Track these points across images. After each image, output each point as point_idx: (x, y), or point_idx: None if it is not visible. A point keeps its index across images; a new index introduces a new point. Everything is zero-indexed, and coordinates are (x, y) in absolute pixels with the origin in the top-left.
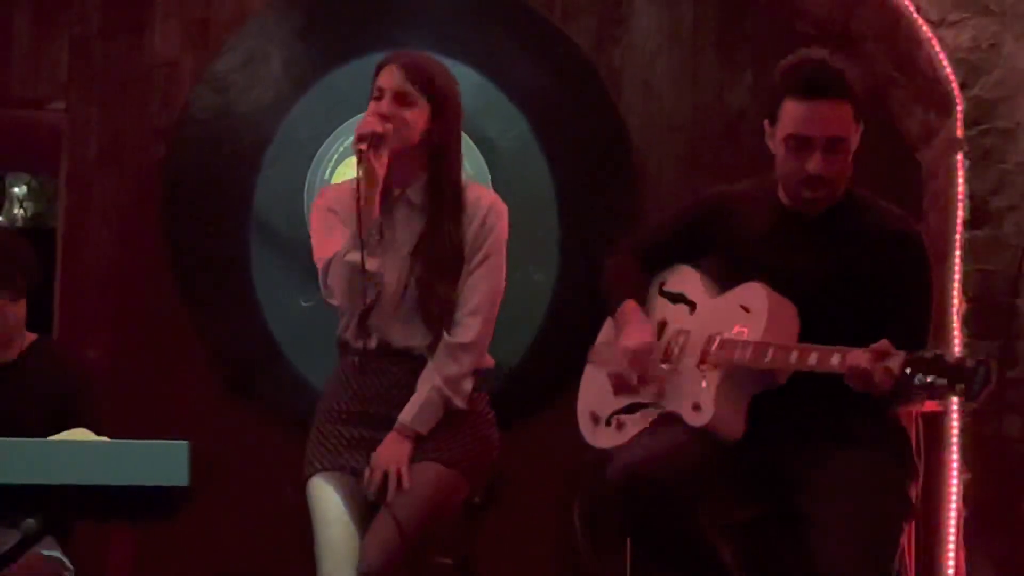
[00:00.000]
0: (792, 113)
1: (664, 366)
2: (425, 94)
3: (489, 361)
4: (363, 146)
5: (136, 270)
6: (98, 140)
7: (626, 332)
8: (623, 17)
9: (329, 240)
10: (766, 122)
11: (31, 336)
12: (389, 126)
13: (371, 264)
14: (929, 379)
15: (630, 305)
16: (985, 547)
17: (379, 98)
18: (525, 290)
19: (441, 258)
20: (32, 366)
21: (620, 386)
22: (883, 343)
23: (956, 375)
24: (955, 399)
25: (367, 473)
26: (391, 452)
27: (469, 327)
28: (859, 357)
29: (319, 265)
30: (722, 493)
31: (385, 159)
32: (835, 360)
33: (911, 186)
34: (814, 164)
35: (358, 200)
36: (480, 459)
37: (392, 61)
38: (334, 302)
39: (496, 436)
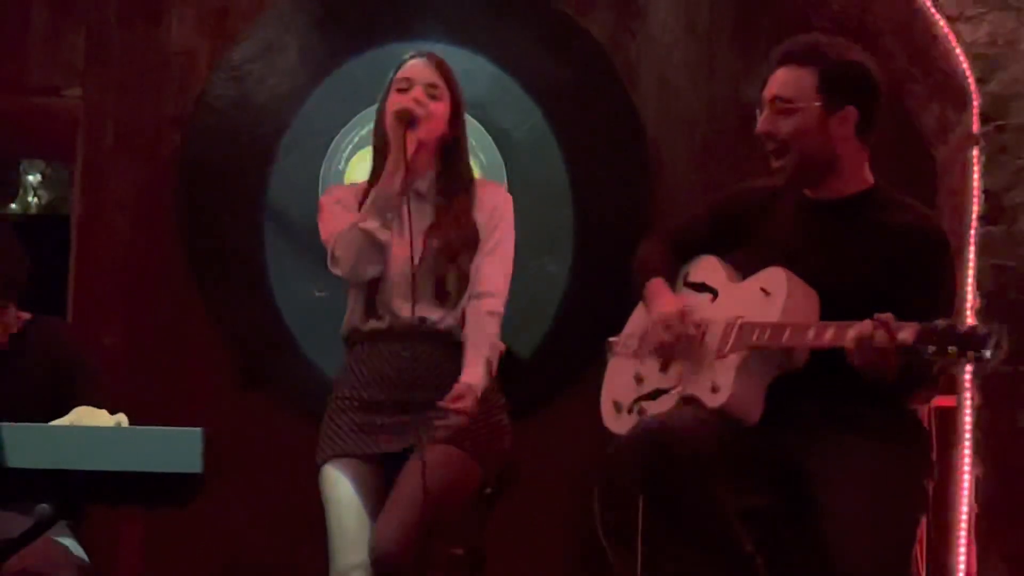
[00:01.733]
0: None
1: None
2: (449, 89)
3: (500, 344)
4: (400, 121)
5: (150, 258)
6: (114, 128)
7: (657, 304)
8: (639, 9)
9: (336, 223)
10: None
11: (24, 316)
12: (422, 111)
13: (384, 236)
14: (940, 348)
15: (657, 282)
16: (997, 543)
17: (406, 89)
18: (539, 281)
19: (457, 236)
20: (26, 346)
21: (664, 355)
22: (887, 315)
23: (967, 342)
24: (967, 376)
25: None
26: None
27: (495, 302)
28: (864, 326)
29: (327, 243)
30: (736, 478)
31: (415, 140)
32: (851, 333)
33: (926, 181)
34: (760, 122)
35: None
36: (493, 446)
37: (418, 56)
38: (338, 271)
39: (508, 424)
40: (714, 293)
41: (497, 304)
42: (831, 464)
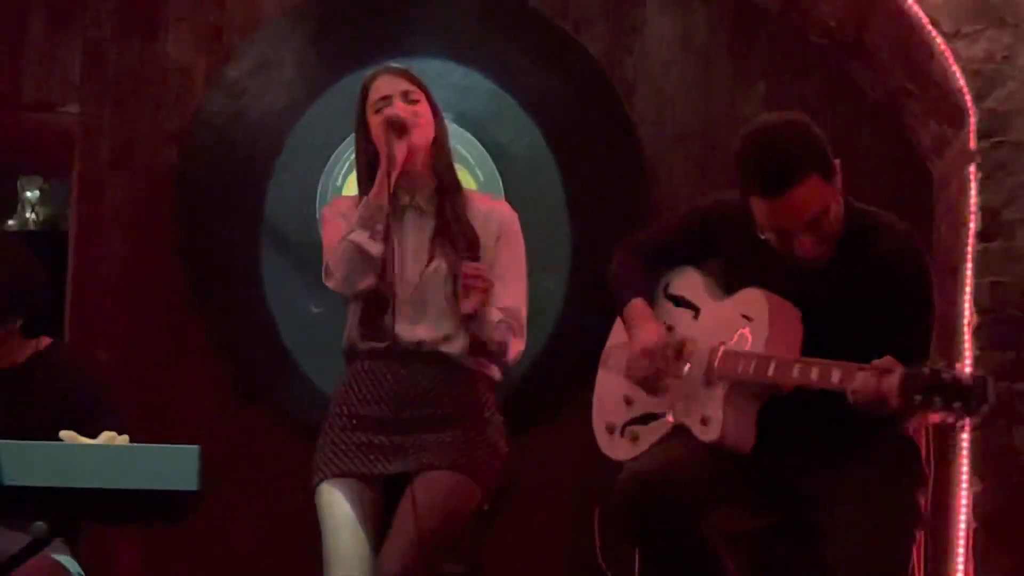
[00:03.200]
0: (762, 211)
1: (676, 370)
2: (423, 91)
3: (497, 373)
4: (389, 129)
5: (147, 274)
6: (110, 144)
7: (638, 333)
8: (636, 26)
9: (337, 235)
10: None
11: (45, 341)
12: (408, 117)
13: (374, 249)
14: (926, 397)
15: (638, 305)
16: (995, 559)
17: (383, 108)
18: (536, 297)
19: (460, 242)
20: (41, 371)
21: (648, 387)
22: (886, 359)
23: (953, 393)
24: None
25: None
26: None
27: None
28: (866, 379)
29: (326, 255)
30: (731, 503)
31: (405, 148)
32: (835, 377)
33: (923, 198)
34: (801, 247)
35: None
36: (491, 466)
37: (382, 72)
38: (331, 284)
39: (506, 443)
40: (695, 310)
41: (510, 318)
42: (824, 484)
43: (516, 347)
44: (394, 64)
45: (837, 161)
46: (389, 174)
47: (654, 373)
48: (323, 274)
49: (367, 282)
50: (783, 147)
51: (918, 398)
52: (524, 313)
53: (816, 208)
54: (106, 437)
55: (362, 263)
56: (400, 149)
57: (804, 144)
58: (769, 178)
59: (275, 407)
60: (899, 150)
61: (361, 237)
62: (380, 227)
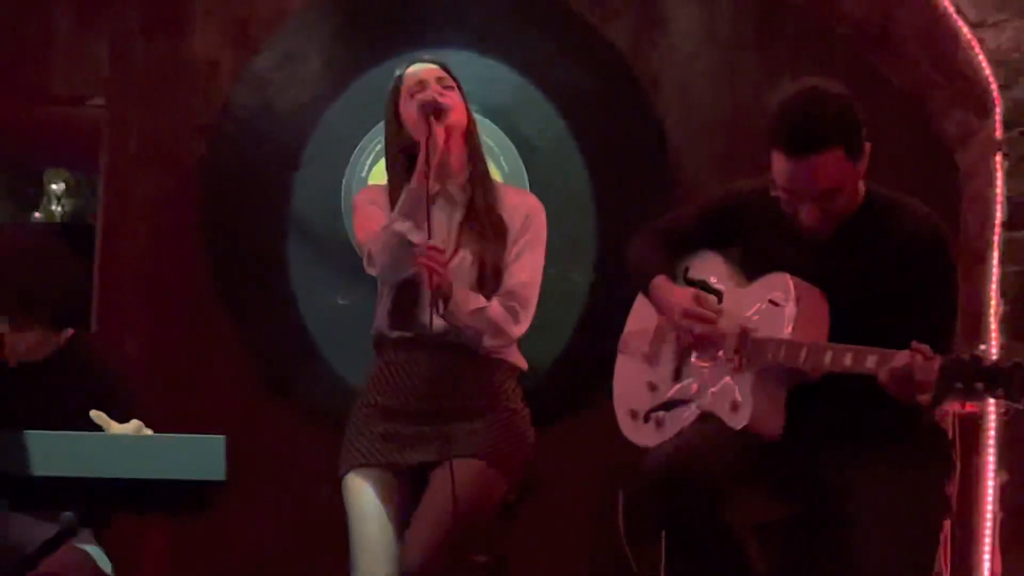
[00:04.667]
0: (780, 167)
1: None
2: (455, 81)
3: (523, 363)
4: (427, 112)
5: (174, 267)
6: (138, 137)
7: (672, 299)
8: (661, 18)
9: (371, 223)
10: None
11: (69, 332)
12: (445, 101)
13: (417, 237)
14: (967, 384)
15: (662, 279)
16: (1021, 549)
17: (420, 91)
18: (562, 290)
19: (488, 232)
20: (65, 363)
21: (703, 346)
22: (924, 345)
23: (994, 379)
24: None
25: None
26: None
27: (525, 304)
28: (904, 363)
29: (362, 243)
30: (757, 491)
31: (444, 131)
32: (870, 362)
33: (949, 188)
34: (806, 216)
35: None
36: (517, 457)
37: (416, 61)
38: (374, 272)
39: (532, 434)
40: (719, 295)
41: (516, 303)
42: (852, 474)
43: (514, 330)
44: (426, 55)
45: (868, 145)
46: (430, 159)
47: (692, 324)
48: (364, 262)
49: (410, 270)
50: (820, 112)
51: (959, 385)
52: (530, 297)
53: (832, 181)
54: (134, 426)
55: (406, 253)
56: (440, 132)
57: (841, 117)
58: (798, 137)
59: (301, 398)
60: (925, 140)
61: (404, 226)
62: (422, 215)
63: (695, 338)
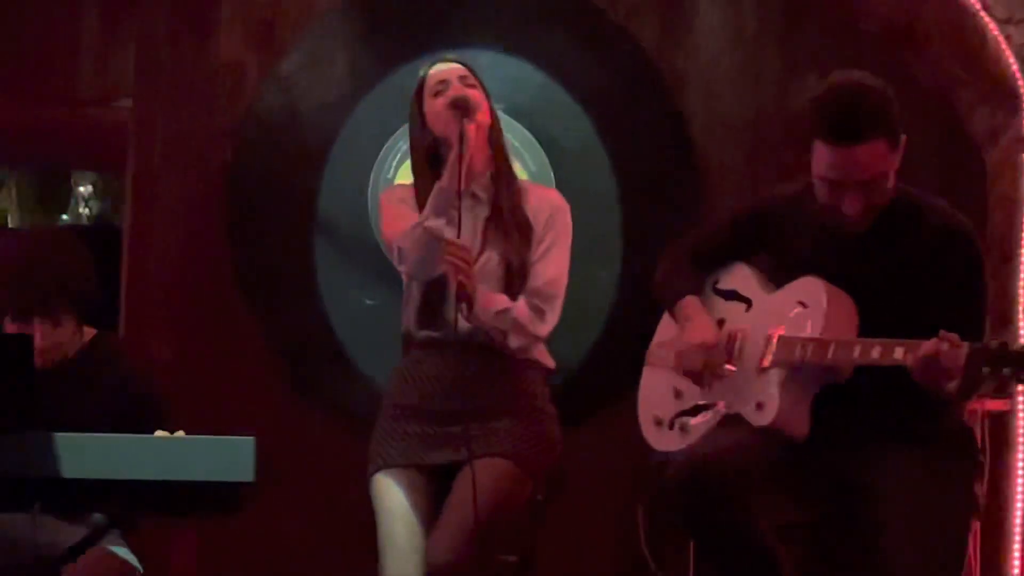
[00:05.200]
0: (822, 157)
1: (728, 367)
2: (478, 80)
3: (550, 362)
4: (457, 109)
5: (201, 268)
6: (164, 140)
7: (689, 329)
8: (686, 17)
9: (401, 221)
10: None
11: (90, 332)
12: (473, 98)
13: (449, 235)
14: (995, 370)
15: (690, 301)
16: None
17: (443, 91)
18: (588, 289)
19: (513, 231)
20: (89, 364)
21: (697, 381)
22: (952, 335)
23: (1021, 364)
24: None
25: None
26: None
27: (550, 303)
28: (932, 350)
29: (391, 240)
30: (783, 493)
31: (474, 128)
32: (898, 352)
33: (977, 186)
34: (849, 205)
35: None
36: (544, 456)
37: (438, 61)
38: (405, 270)
39: (559, 434)
40: (747, 303)
41: (541, 301)
42: (879, 474)
43: (540, 329)
44: (449, 55)
45: (904, 137)
46: (461, 156)
47: (706, 366)
48: (395, 260)
49: (441, 268)
50: (864, 102)
51: (986, 370)
52: (556, 295)
53: (875, 170)
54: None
55: (437, 250)
56: (472, 128)
57: (883, 107)
58: (843, 126)
59: (328, 400)
60: (952, 138)
61: (436, 223)
62: (453, 213)
63: (691, 371)
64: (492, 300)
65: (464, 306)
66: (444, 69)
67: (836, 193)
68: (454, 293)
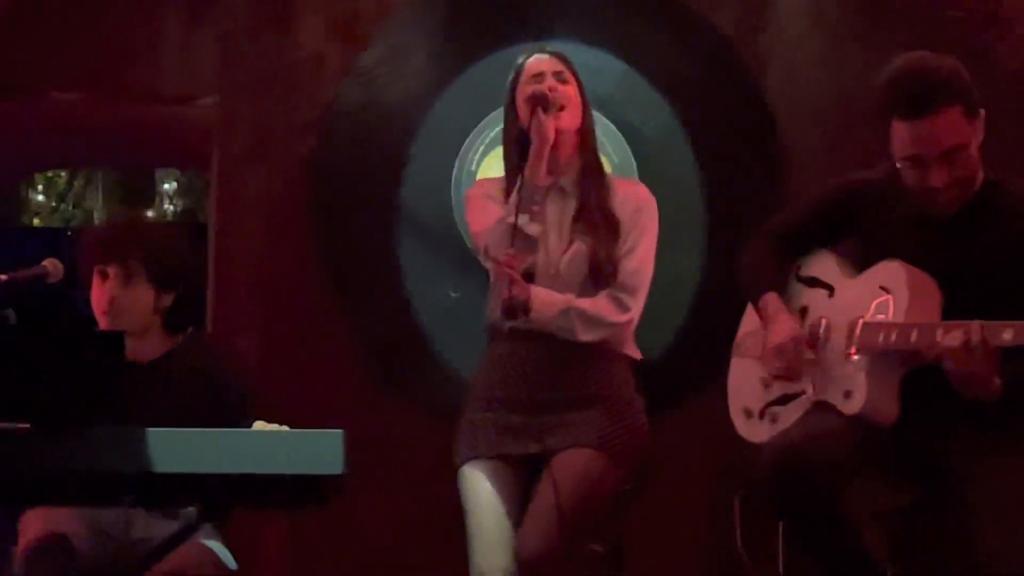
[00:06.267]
0: (901, 135)
1: (811, 355)
2: (573, 75)
3: (636, 353)
4: (536, 106)
5: (287, 262)
6: (247, 135)
7: (772, 328)
8: (768, 2)
9: (486, 217)
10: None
11: (183, 334)
12: (556, 94)
13: (532, 229)
14: None
15: (771, 298)
16: None
17: (539, 82)
18: (671, 277)
19: (601, 225)
20: (181, 362)
21: (783, 380)
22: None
23: None
24: None
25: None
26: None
27: (632, 294)
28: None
29: (477, 236)
30: (874, 479)
31: (553, 124)
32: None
33: None
34: (935, 178)
35: (506, 183)
36: (631, 446)
37: (537, 52)
38: (489, 266)
39: (646, 423)
40: (830, 289)
41: (623, 292)
42: (970, 459)
43: (621, 318)
44: (548, 47)
45: (983, 111)
46: (542, 151)
47: (789, 368)
48: (481, 256)
49: (527, 263)
50: (933, 73)
51: None
52: (638, 285)
53: (955, 139)
54: (259, 427)
55: (522, 246)
56: (549, 123)
57: (953, 77)
58: (915, 99)
59: (414, 392)
60: None
61: (521, 220)
62: (537, 207)
63: (775, 373)
64: (550, 302)
65: (520, 313)
66: (541, 61)
67: (920, 170)
68: (503, 302)
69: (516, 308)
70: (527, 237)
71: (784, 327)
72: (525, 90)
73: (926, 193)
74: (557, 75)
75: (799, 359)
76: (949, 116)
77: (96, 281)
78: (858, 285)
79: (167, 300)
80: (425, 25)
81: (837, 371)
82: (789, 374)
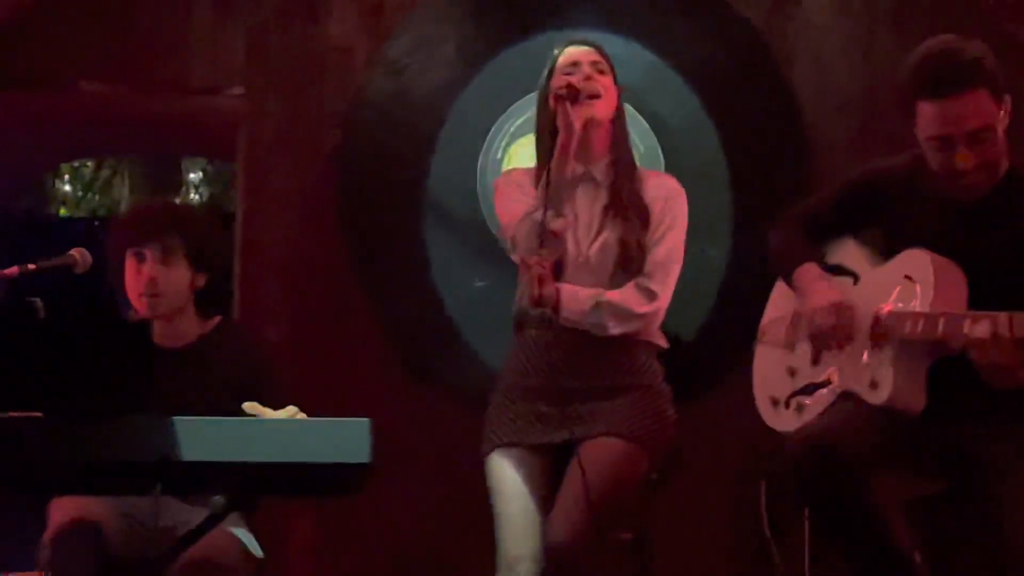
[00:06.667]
0: (927, 115)
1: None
2: (610, 66)
3: (662, 341)
4: (563, 97)
5: (313, 252)
6: (275, 125)
7: (813, 292)
8: None
9: (515, 206)
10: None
11: (215, 319)
12: (590, 83)
13: (559, 224)
14: None
15: (809, 268)
16: None
17: (572, 73)
18: (698, 266)
19: (632, 216)
20: (212, 349)
21: (823, 345)
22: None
23: None
24: None
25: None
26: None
27: (659, 283)
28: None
29: (505, 227)
30: (900, 468)
31: (582, 116)
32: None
33: None
34: (961, 160)
35: (538, 171)
36: (659, 434)
37: (575, 41)
38: (516, 258)
39: (673, 412)
40: (855, 277)
41: (650, 282)
42: (998, 448)
43: (648, 308)
44: (584, 37)
45: (1009, 97)
46: (569, 142)
47: (831, 330)
48: (508, 248)
49: (552, 256)
50: (960, 54)
51: None
52: (666, 275)
53: (981, 120)
54: (290, 411)
55: (549, 239)
56: (577, 116)
57: (980, 59)
58: (941, 79)
59: (441, 381)
60: None
61: (548, 215)
62: (561, 200)
63: (824, 330)
64: (578, 299)
65: (549, 311)
66: (577, 52)
67: (946, 152)
68: (534, 303)
69: (545, 307)
70: (554, 233)
71: (826, 290)
72: (558, 80)
73: (951, 176)
74: (594, 64)
75: (846, 318)
76: (976, 97)
77: (131, 265)
78: (883, 274)
79: (200, 281)
80: (451, 15)
81: (863, 360)
82: (839, 333)
